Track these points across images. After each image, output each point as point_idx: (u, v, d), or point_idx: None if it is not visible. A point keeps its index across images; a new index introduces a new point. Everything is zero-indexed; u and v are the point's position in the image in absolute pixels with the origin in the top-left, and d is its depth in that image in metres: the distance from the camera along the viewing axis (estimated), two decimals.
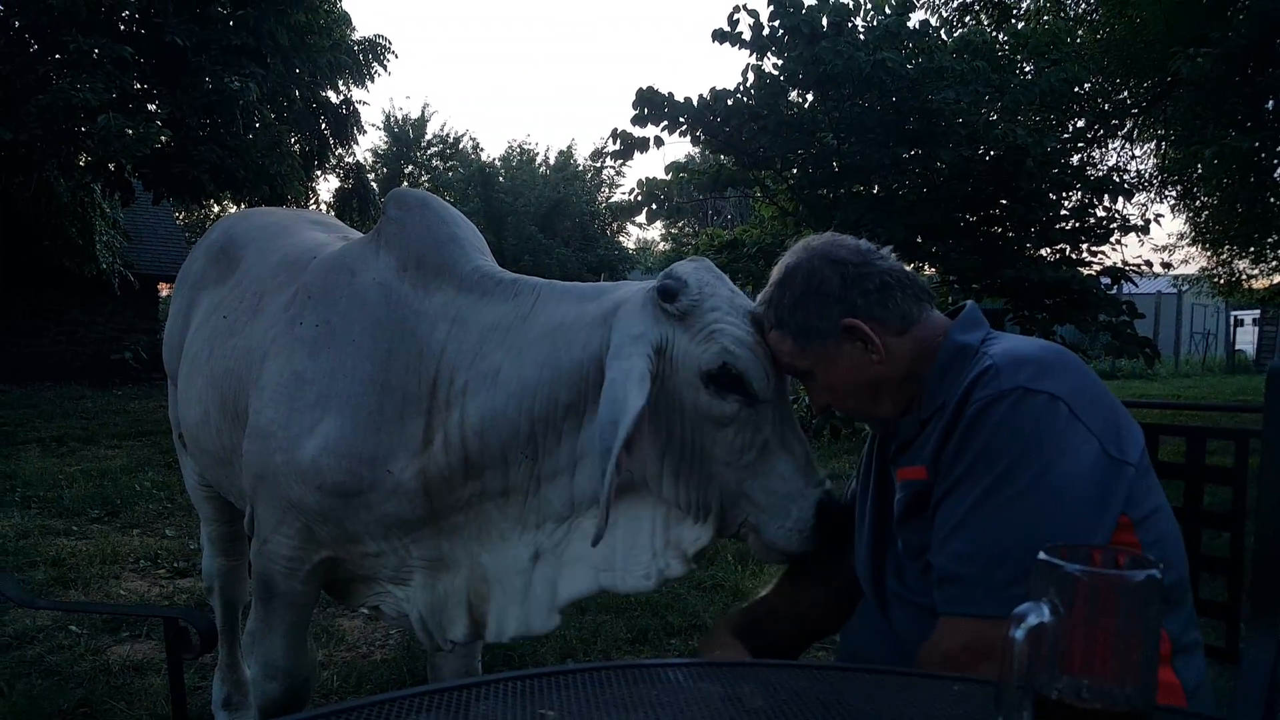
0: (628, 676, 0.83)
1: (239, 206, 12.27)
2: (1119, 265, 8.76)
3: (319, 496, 1.48)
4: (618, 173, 29.64)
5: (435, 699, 0.77)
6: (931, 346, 1.19)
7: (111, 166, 10.07)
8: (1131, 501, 1.05)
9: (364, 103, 23.70)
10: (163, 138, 9.40)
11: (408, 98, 57.33)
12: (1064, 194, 8.77)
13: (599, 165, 28.29)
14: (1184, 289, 18.62)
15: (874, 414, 1.23)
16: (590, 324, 1.37)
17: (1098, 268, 8.74)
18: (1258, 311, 20.89)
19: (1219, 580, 1.41)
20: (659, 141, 8.11)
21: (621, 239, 30.72)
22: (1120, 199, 8.89)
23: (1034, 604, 0.66)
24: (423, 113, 29.29)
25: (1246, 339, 23.66)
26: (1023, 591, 0.99)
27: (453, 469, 1.43)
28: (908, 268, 1.25)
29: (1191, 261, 14.33)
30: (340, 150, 13.79)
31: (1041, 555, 0.66)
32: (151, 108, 10.47)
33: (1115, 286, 8.65)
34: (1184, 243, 13.34)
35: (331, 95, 12.58)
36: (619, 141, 8.15)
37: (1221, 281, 14.16)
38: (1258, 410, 1.26)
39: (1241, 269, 13.47)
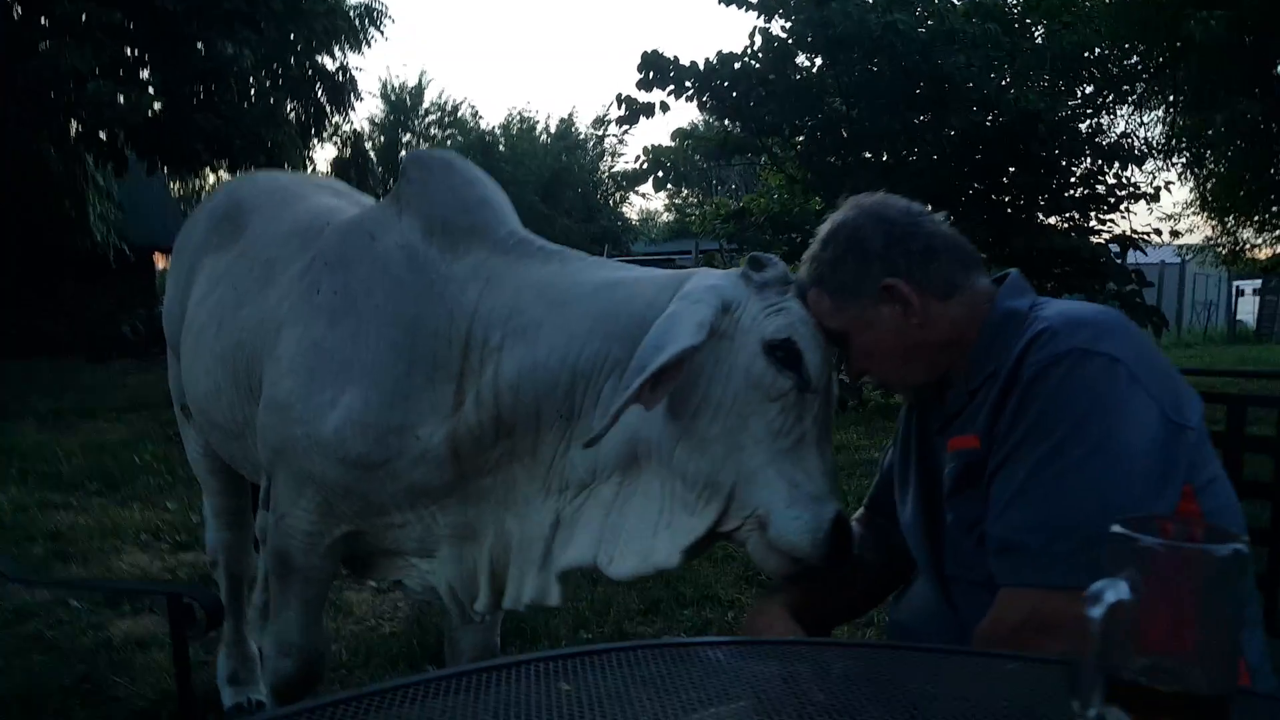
0: (665, 655, 0.77)
1: (235, 176, 12.12)
2: (1128, 233, 8.70)
3: (342, 469, 1.43)
4: (620, 141, 29.43)
5: (455, 683, 0.72)
6: (977, 314, 1.14)
7: (103, 136, 9.93)
8: (1193, 468, 1.01)
9: (360, 69, 23.47)
10: (155, 105, 9.25)
11: (404, 65, 56.85)
12: (1074, 161, 8.68)
13: (601, 133, 28.04)
14: (1187, 258, 18.53)
15: (908, 381, 1.20)
16: (660, 283, 1.33)
17: (1106, 236, 8.68)
18: (1259, 282, 20.87)
19: (1259, 551, 1.37)
20: (664, 107, 7.95)
21: (624, 209, 30.59)
22: (1130, 166, 8.81)
23: (1111, 580, 0.61)
24: (420, 80, 29.12)
25: (1247, 309, 23.68)
26: (1086, 560, 0.94)
27: (483, 428, 1.38)
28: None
29: (1196, 231, 14.25)
30: (337, 118, 13.64)
31: (1116, 528, 0.62)
32: (144, 75, 10.30)
33: (1124, 255, 8.60)
34: (1189, 211, 13.24)
35: (328, 62, 12.42)
36: (624, 106, 8.00)
37: (1225, 251, 14.09)
38: None
39: (1245, 238, 13.39)
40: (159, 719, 2.18)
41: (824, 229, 1.23)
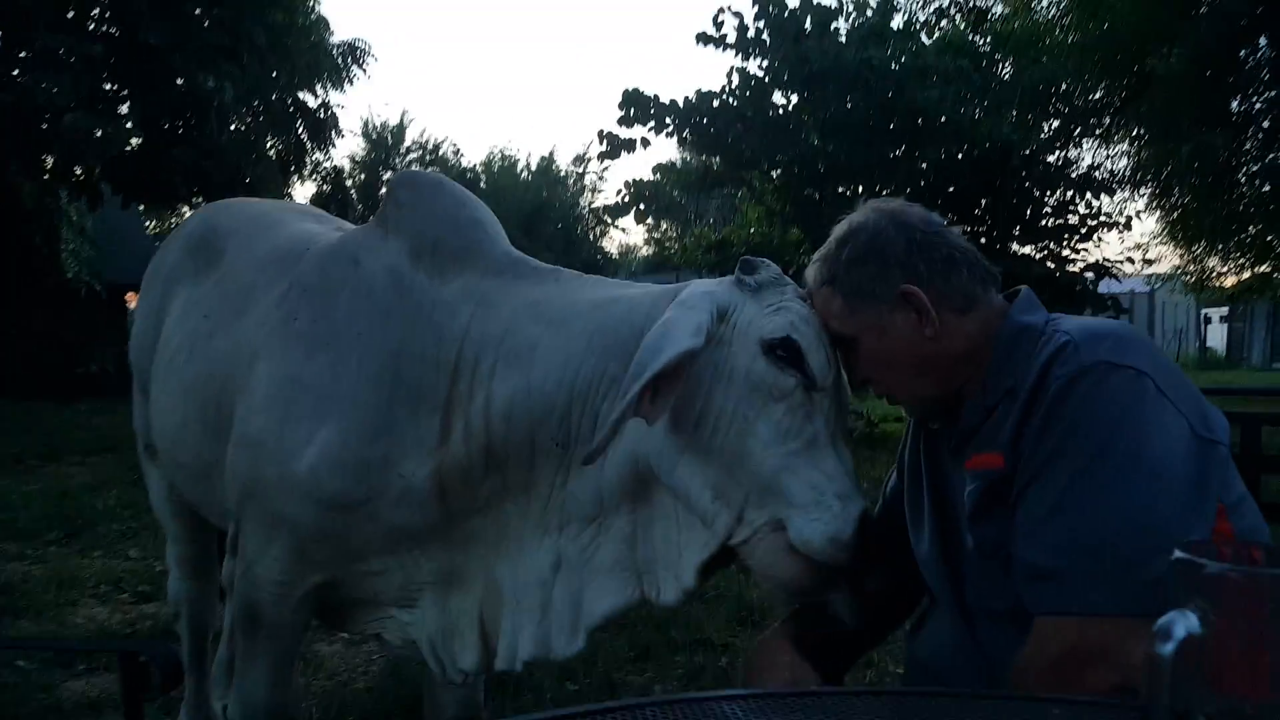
0: (677, 713, 0.69)
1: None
2: (1101, 262, 8.84)
3: (318, 511, 1.33)
4: (600, 177, 29.77)
5: None
6: (991, 329, 1.10)
7: (79, 170, 9.79)
8: (1223, 486, 0.97)
9: (342, 106, 23.54)
10: (133, 139, 9.14)
11: (386, 104, 57.19)
12: (1046, 191, 8.84)
13: (582, 170, 28.37)
14: (1156, 287, 18.88)
15: (917, 394, 1.15)
16: (656, 295, 1.27)
17: (1081, 265, 8.81)
18: (1225, 309, 21.30)
19: None
20: (645, 142, 8.09)
21: (604, 243, 30.81)
22: (1101, 196, 8.98)
23: (1179, 612, 0.56)
24: (401, 119, 29.19)
25: (1215, 336, 24.14)
26: (1128, 584, 0.87)
27: (472, 461, 1.28)
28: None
29: (1164, 259, 14.52)
30: (318, 154, 13.58)
31: (1177, 554, 0.57)
32: (122, 110, 10.20)
33: (1097, 283, 8.73)
34: (1158, 241, 13.51)
35: (309, 98, 12.36)
36: (605, 142, 8.12)
37: (1192, 279, 14.36)
38: None
39: (1212, 266, 13.66)
40: None
41: (840, 229, 1.17)
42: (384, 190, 1.58)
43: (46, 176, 10.33)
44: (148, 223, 17.31)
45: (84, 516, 4.86)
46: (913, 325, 1.10)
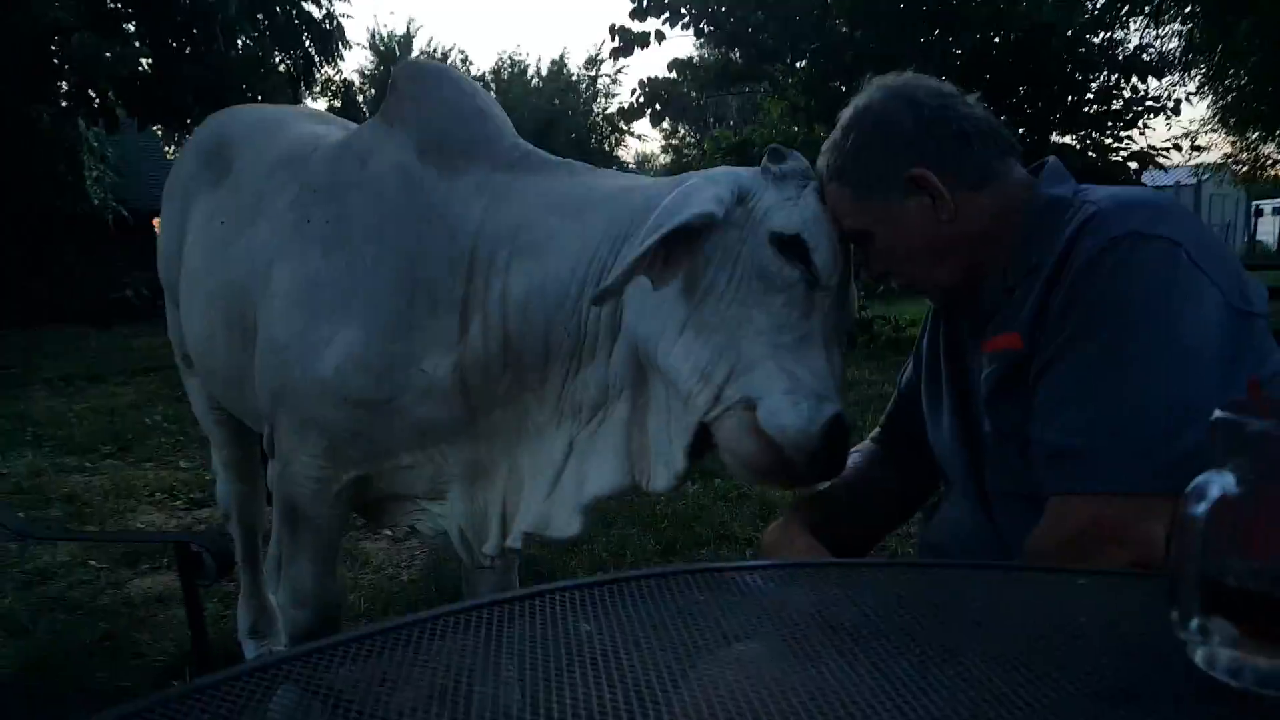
0: (696, 581, 0.70)
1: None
2: (1146, 149, 8.47)
3: (345, 410, 1.35)
4: (613, 80, 28.97)
5: (470, 617, 0.65)
6: (1013, 205, 1.04)
7: (92, 93, 9.74)
8: (1259, 358, 0.92)
9: (347, 16, 22.94)
10: (143, 59, 9.04)
11: (392, 13, 55.68)
12: (1089, 76, 8.42)
13: (594, 74, 27.61)
14: (1204, 178, 18.15)
15: (939, 282, 1.10)
16: (674, 182, 1.22)
17: (1124, 153, 8.46)
18: (1279, 201, 20.46)
19: None
20: (660, 36, 7.71)
21: (620, 152, 30.26)
22: (1149, 78, 8.53)
23: (1216, 472, 0.54)
24: (408, 28, 28.59)
25: (1267, 229, 23.31)
26: (1153, 463, 0.84)
27: (490, 355, 1.30)
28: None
29: (1214, 148, 13.91)
30: (327, 68, 13.35)
31: (1218, 413, 0.54)
32: (128, 28, 10.05)
33: (1141, 173, 8.39)
34: (1208, 128, 12.90)
35: (313, 9, 12.04)
36: (618, 37, 7.76)
37: (1245, 168, 13.78)
38: None
39: (1267, 153, 13.07)
40: (181, 674, 2.16)
41: (845, 114, 1.11)
42: (390, 79, 1.55)
43: (62, 102, 10.28)
44: (167, 147, 17.26)
45: (134, 431, 5.06)
46: (927, 210, 1.05)
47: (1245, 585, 0.52)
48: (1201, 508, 0.52)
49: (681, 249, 1.11)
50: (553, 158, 1.39)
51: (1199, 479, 0.53)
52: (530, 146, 1.41)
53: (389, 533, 3.18)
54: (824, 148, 1.14)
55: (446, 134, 1.38)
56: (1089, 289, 0.92)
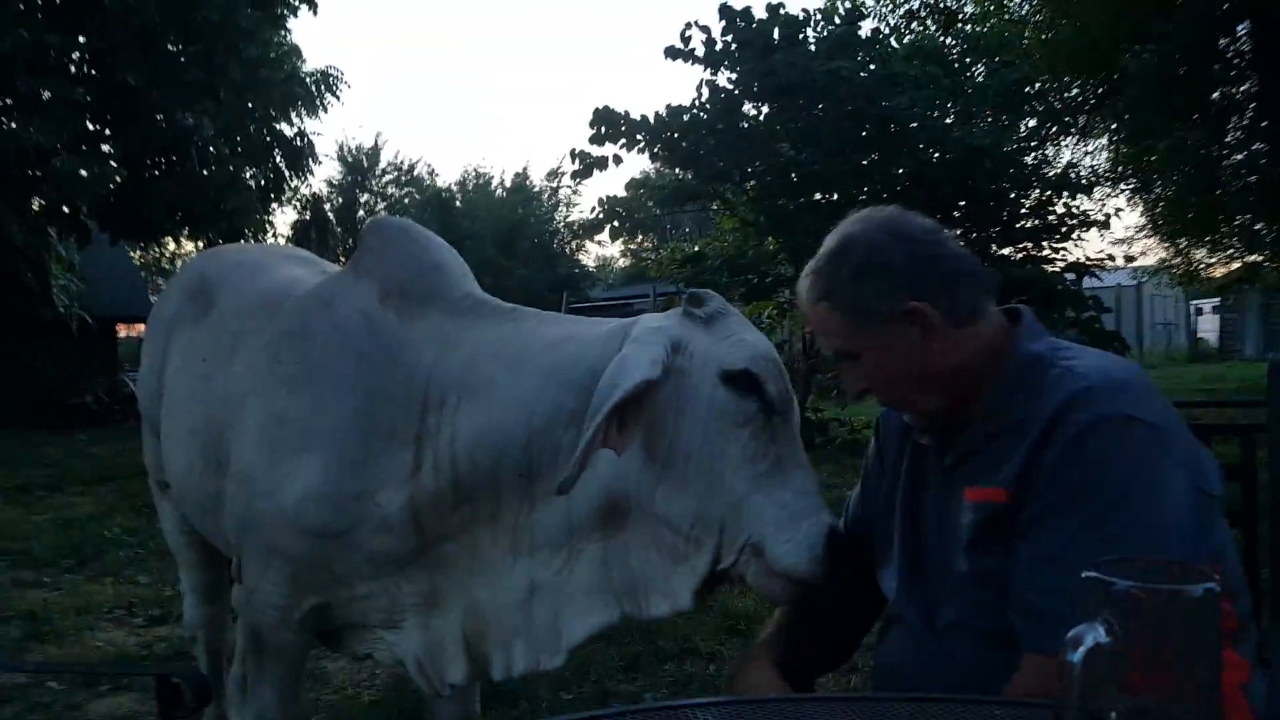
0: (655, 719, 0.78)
1: (197, 244, 12.06)
2: (1082, 261, 8.90)
3: (304, 540, 1.43)
4: (575, 191, 29.80)
5: None
6: (994, 346, 1.10)
7: (66, 210, 9.85)
8: (1215, 535, 1.00)
9: (318, 134, 23.56)
10: (118, 178, 9.20)
11: (360, 127, 57.04)
12: (1023, 193, 8.92)
13: (556, 185, 28.40)
14: (1143, 280, 18.95)
15: (923, 407, 1.13)
16: (608, 333, 1.34)
17: (1060, 264, 8.87)
18: (1217, 300, 21.26)
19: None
20: (617, 160, 8.14)
21: (581, 257, 30.86)
22: (1079, 195, 9.06)
23: (1089, 624, 0.62)
24: (376, 141, 29.23)
25: (1208, 327, 24.15)
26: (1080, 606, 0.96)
27: (442, 493, 1.37)
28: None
29: (1150, 253, 14.60)
30: (296, 182, 13.62)
31: (1088, 573, 0.63)
32: (106, 148, 10.26)
33: (1079, 282, 8.79)
34: (1141, 235, 13.60)
35: (285, 128, 12.40)
36: (578, 161, 8.17)
37: (1180, 272, 14.41)
38: (1261, 405, 1.24)
39: (1199, 258, 13.73)
40: None
41: (832, 242, 1.14)
42: (361, 230, 1.68)
43: (36, 216, 10.37)
44: (134, 254, 17.31)
45: (92, 544, 4.97)
46: (917, 340, 1.08)
47: None
48: (1078, 654, 0.59)
49: (631, 415, 1.18)
50: (503, 305, 1.50)
51: (1074, 630, 0.60)
52: (481, 295, 1.52)
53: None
54: (807, 270, 1.16)
55: (406, 283, 1.49)
56: (1077, 462, 0.97)
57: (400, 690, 2.79)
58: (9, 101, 9.41)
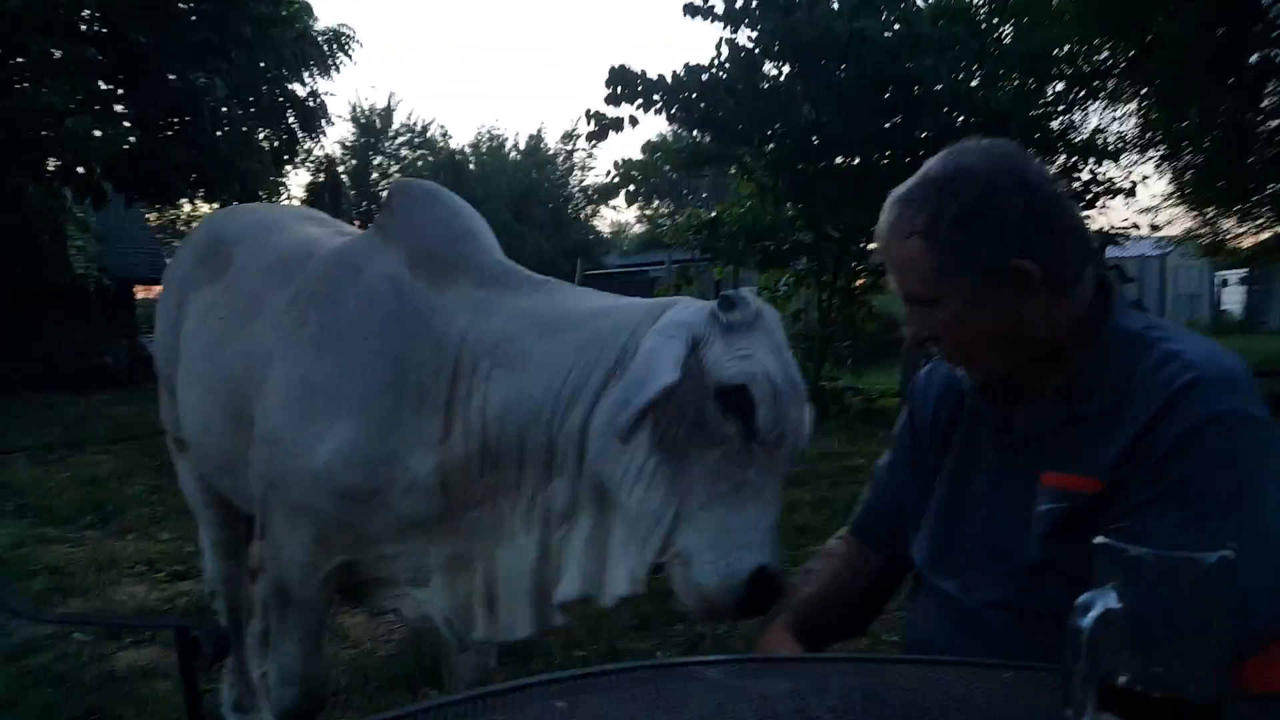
0: (661, 675, 0.79)
1: (211, 205, 12.10)
2: (1106, 230, 8.78)
3: (334, 500, 1.45)
4: (590, 155, 29.57)
5: (456, 709, 0.73)
6: (1084, 322, 1.02)
7: (81, 170, 9.89)
8: None
9: (330, 94, 23.42)
10: (131, 138, 9.21)
11: (373, 87, 56.61)
12: (1048, 158, 8.77)
13: (570, 148, 28.17)
14: (1168, 250, 18.68)
15: (994, 369, 1.05)
16: (643, 311, 1.34)
17: None
18: (1244, 271, 20.91)
19: None
20: (634, 121, 8.02)
21: (595, 223, 30.73)
22: (1105, 162, 8.90)
23: (1099, 590, 0.62)
24: (389, 102, 29.05)
25: (1234, 299, 23.80)
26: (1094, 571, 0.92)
27: (470, 460, 1.39)
28: None
29: (1176, 222, 14.35)
30: (309, 143, 13.60)
31: (1100, 539, 0.63)
32: (118, 109, 10.27)
33: (1103, 250, 8.67)
34: (1168, 204, 13.36)
35: (298, 88, 12.31)
36: (593, 122, 8.05)
37: (1207, 242, 14.17)
38: None
39: (1227, 228, 13.49)
40: None
41: (940, 169, 1.01)
42: (384, 196, 1.67)
43: (50, 178, 10.42)
44: (149, 216, 17.39)
45: (114, 502, 5.08)
46: (1010, 302, 0.98)
47: (1130, 686, 0.61)
48: (1088, 619, 0.60)
49: (648, 409, 1.21)
50: (533, 275, 1.51)
51: (1085, 596, 0.61)
52: (510, 263, 1.53)
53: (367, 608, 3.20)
54: (902, 197, 1.03)
55: (436, 250, 1.51)
56: (1190, 456, 0.93)
57: (417, 645, 2.84)
58: (21, 60, 9.40)
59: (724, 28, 7.94)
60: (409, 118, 32.18)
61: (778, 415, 1.22)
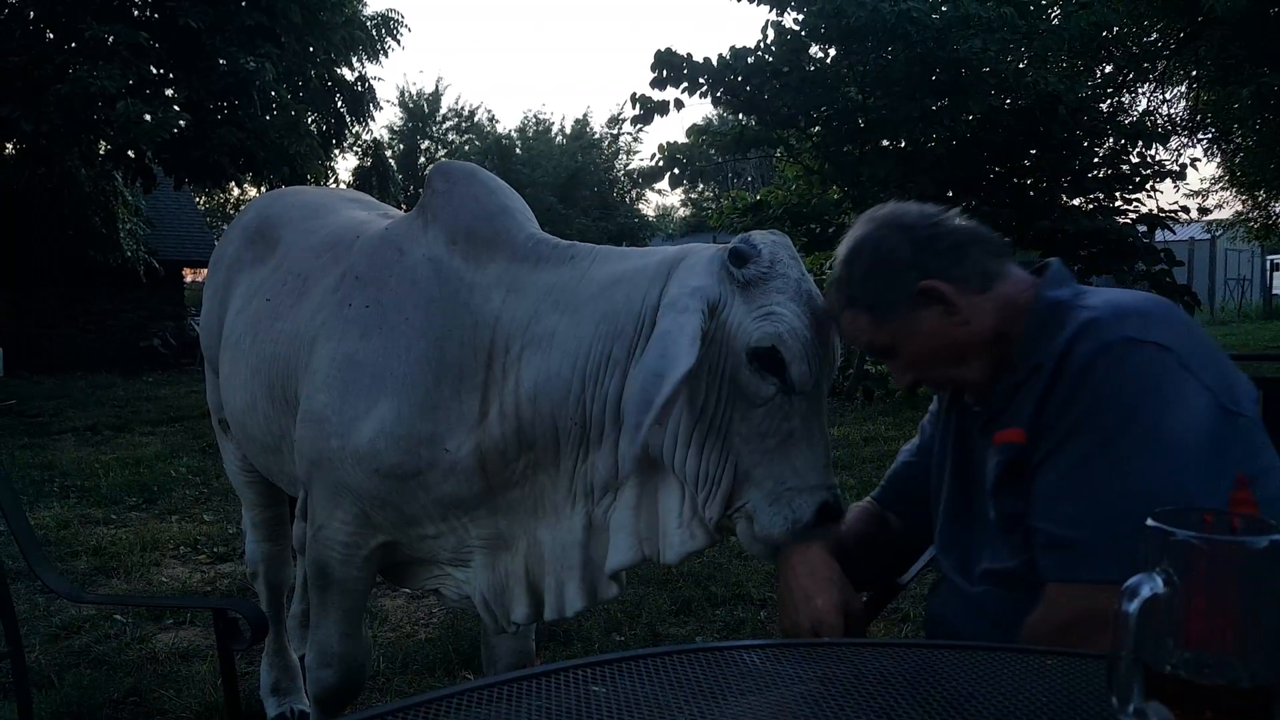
0: (699, 659, 0.79)
1: (259, 189, 12.29)
2: (1154, 212, 8.57)
3: (376, 480, 1.45)
4: (635, 139, 29.57)
5: (494, 692, 0.73)
6: (1018, 303, 1.12)
7: (131, 154, 10.10)
8: (1246, 456, 0.99)
9: (379, 79, 23.65)
10: (181, 122, 9.39)
11: (421, 72, 57.10)
12: (1096, 141, 8.57)
13: (616, 132, 28.15)
14: (1218, 234, 18.20)
15: (967, 380, 1.16)
16: (651, 275, 1.33)
17: (1133, 216, 8.56)
18: None
19: None
20: (679, 104, 8.00)
21: (641, 206, 30.70)
22: (1154, 144, 8.68)
23: (1146, 575, 0.61)
24: (437, 86, 29.31)
25: None
26: (1140, 554, 0.95)
27: (507, 440, 1.40)
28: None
29: (1226, 206, 13.95)
30: (357, 128, 13.73)
31: (1150, 522, 0.61)
32: (169, 93, 10.46)
33: (1151, 234, 8.47)
34: (1218, 187, 12.99)
35: (346, 72, 12.47)
36: (638, 105, 8.05)
37: (1257, 225, 13.79)
38: None
39: (1278, 211, 13.09)
40: None
41: (842, 250, 1.19)
42: (426, 175, 1.68)
43: (102, 161, 10.66)
44: (198, 199, 17.73)
45: (159, 483, 5.13)
46: (939, 316, 1.11)
47: (1177, 673, 0.60)
48: (1134, 605, 0.58)
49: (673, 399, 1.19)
50: (561, 244, 1.48)
51: (1131, 580, 0.59)
52: (542, 235, 1.51)
53: (407, 590, 3.23)
54: (829, 282, 1.21)
55: (473, 229, 1.50)
56: (1084, 390, 1.00)
57: (456, 629, 2.86)
58: (74, 46, 9.60)
59: (770, 10, 7.91)
60: (456, 102, 32.46)
61: (811, 364, 1.23)
